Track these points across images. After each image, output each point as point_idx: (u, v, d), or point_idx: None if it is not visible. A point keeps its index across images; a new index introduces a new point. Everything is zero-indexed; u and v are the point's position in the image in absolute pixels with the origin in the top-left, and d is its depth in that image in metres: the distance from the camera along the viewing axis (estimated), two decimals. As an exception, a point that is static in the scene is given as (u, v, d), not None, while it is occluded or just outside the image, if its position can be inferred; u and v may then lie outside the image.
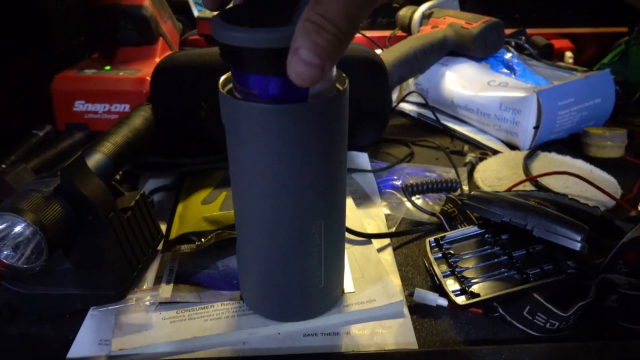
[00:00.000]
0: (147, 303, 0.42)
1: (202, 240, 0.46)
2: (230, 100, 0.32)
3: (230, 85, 0.34)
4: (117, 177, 0.60)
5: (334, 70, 0.33)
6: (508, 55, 0.79)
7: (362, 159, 0.65)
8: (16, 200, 0.36)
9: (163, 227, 0.50)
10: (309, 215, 0.35)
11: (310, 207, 0.35)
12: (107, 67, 0.71)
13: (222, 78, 0.34)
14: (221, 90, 0.33)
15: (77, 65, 0.72)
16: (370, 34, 0.96)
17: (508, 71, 0.77)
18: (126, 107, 0.68)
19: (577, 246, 0.41)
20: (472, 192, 0.47)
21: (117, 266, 0.40)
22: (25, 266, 0.36)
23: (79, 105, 0.68)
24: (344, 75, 0.34)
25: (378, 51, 0.84)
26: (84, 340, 0.39)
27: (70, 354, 0.38)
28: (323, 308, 0.40)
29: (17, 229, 0.35)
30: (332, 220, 0.36)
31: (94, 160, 0.44)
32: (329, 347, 0.38)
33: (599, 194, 0.55)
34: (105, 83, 0.68)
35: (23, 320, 0.41)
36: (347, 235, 0.49)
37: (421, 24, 0.90)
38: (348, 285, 0.43)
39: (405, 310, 0.42)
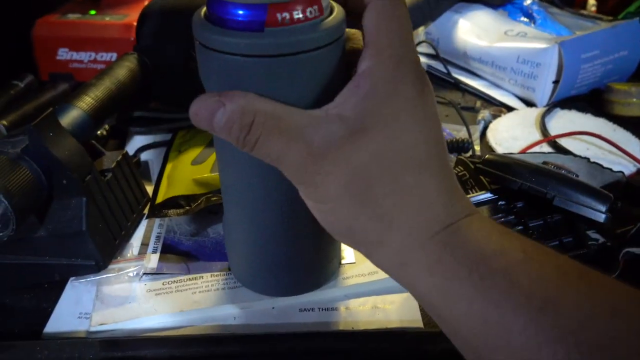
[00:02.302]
0: (131, 274, 0.38)
1: (192, 205, 0.42)
2: (202, 50, 0.27)
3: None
4: (104, 132, 0.56)
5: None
6: (527, 2, 0.73)
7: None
8: (-22, 163, 0.32)
9: (150, 189, 0.46)
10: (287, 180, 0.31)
11: None
12: (93, 12, 0.66)
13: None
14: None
15: (61, 9, 0.67)
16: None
17: (527, 20, 0.71)
18: (113, 56, 0.63)
19: (602, 217, 0.37)
20: (487, 156, 0.43)
21: (96, 234, 0.37)
22: (-9, 236, 0.33)
23: (63, 54, 0.63)
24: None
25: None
26: (63, 313, 0.36)
27: (47, 329, 0.35)
28: (319, 281, 0.37)
29: (-21, 195, 0.32)
30: None
31: (71, 116, 0.40)
32: (326, 323, 0.36)
33: (622, 157, 0.51)
34: (90, 29, 0.63)
35: (-2, 290, 0.38)
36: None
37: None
38: (349, 255, 0.40)
39: (410, 284, 0.38)
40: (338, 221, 0.26)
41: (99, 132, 0.51)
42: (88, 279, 0.38)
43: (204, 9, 0.28)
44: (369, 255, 0.27)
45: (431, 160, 0.25)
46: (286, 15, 0.25)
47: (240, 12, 0.25)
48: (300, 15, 0.25)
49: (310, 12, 0.26)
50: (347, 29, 0.28)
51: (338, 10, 0.27)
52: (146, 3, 0.59)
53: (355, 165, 0.24)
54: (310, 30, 0.25)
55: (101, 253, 0.37)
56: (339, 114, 0.24)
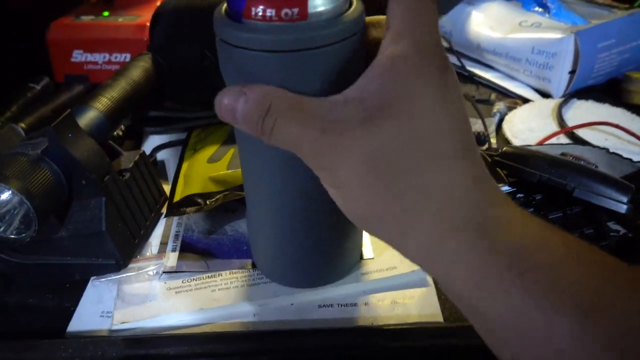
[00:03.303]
0: (151, 272, 0.39)
1: (208, 202, 0.42)
2: (223, 46, 0.27)
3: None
4: (120, 132, 0.56)
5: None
6: (541, -8, 0.72)
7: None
8: (0, 166, 0.33)
9: (167, 188, 0.47)
10: (310, 171, 0.31)
11: None
12: (106, 13, 0.66)
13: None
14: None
15: (74, 11, 0.67)
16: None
17: (541, 9, 0.70)
18: (127, 57, 0.63)
19: (623, 208, 0.37)
20: (505, 148, 0.42)
21: (116, 233, 0.37)
22: (14, 237, 0.33)
23: (78, 55, 0.64)
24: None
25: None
26: (85, 312, 0.37)
27: (70, 327, 0.36)
28: (340, 273, 0.37)
29: (2, 197, 0.32)
30: None
31: (88, 117, 0.40)
32: (345, 319, 0.35)
33: (642, 147, 0.50)
34: (104, 30, 0.63)
35: (21, 290, 0.38)
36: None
37: (445, -42, 0.82)
38: (367, 251, 0.40)
39: (429, 278, 0.38)
40: (362, 207, 0.24)
41: (115, 132, 0.52)
42: (109, 278, 0.39)
43: (225, 5, 0.28)
44: (396, 244, 0.25)
45: (455, 145, 0.24)
46: (297, 10, 0.25)
47: (254, 7, 0.25)
48: (316, 10, 0.25)
49: (325, 7, 0.26)
50: (373, 17, 0.28)
51: (357, 4, 0.27)
52: (159, 3, 0.59)
53: (374, 146, 0.23)
54: (328, 25, 0.25)
55: (121, 252, 0.38)
56: (358, 97, 0.24)
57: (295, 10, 0.25)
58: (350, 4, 0.27)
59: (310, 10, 0.25)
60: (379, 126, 0.23)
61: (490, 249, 0.22)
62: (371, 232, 0.26)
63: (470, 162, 0.24)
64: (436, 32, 0.25)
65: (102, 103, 0.42)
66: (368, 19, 0.28)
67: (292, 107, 0.24)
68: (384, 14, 0.26)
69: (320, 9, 0.25)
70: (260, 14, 0.25)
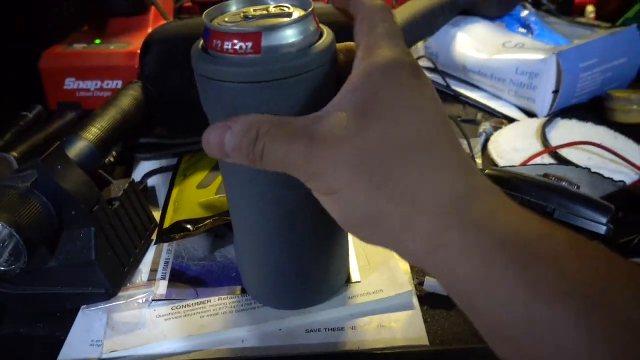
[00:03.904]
0: (141, 300, 0.39)
1: (196, 228, 0.43)
2: (200, 79, 0.29)
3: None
4: (112, 159, 0.57)
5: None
6: (525, 13, 0.74)
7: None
8: (-10, 199, 0.33)
9: (158, 215, 0.47)
10: (299, 196, 0.32)
11: (299, 189, 0.31)
12: (98, 41, 0.68)
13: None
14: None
15: (67, 40, 0.68)
16: (376, -7, 0.90)
17: (525, 31, 0.72)
18: (119, 84, 0.64)
19: (603, 229, 0.38)
20: (487, 171, 0.43)
21: (106, 262, 0.38)
22: (4, 269, 0.33)
23: (70, 83, 0.65)
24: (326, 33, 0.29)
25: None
26: (76, 341, 0.37)
27: (61, 357, 0.36)
28: (327, 294, 0.38)
29: (-8, 231, 0.33)
30: None
31: (77, 148, 0.41)
32: (332, 344, 0.36)
33: (625, 165, 0.51)
34: (95, 58, 0.64)
35: (12, 321, 0.39)
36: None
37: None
38: (354, 274, 0.41)
39: (415, 301, 0.39)
40: (356, 211, 0.24)
41: (106, 159, 0.52)
42: (99, 307, 0.39)
43: (201, 41, 0.29)
44: (395, 244, 0.25)
45: (439, 137, 0.24)
46: (251, 44, 0.26)
47: (228, 41, 0.27)
48: (288, 42, 0.26)
49: (298, 39, 0.27)
50: (342, 44, 0.30)
51: (327, 33, 0.29)
52: (150, 31, 0.61)
53: (361, 148, 0.23)
54: (301, 56, 0.27)
55: (111, 281, 0.38)
56: (339, 109, 0.25)
57: (249, 44, 0.26)
58: (321, 35, 0.28)
59: (270, 44, 0.26)
60: (364, 129, 0.24)
61: (492, 243, 0.22)
62: (367, 239, 0.26)
63: (456, 154, 0.24)
64: (401, 42, 0.26)
65: (92, 133, 0.43)
66: (338, 46, 0.29)
67: (278, 129, 0.25)
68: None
69: (290, 41, 0.26)
70: (219, 47, 0.27)
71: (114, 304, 0.39)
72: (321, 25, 0.29)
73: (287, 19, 0.27)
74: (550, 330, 0.20)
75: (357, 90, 0.25)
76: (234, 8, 0.30)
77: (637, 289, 0.21)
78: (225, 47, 0.27)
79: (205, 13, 0.29)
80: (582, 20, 0.77)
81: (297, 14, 0.28)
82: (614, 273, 0.21)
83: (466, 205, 0.23)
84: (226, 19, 0.29)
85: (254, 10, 0.29)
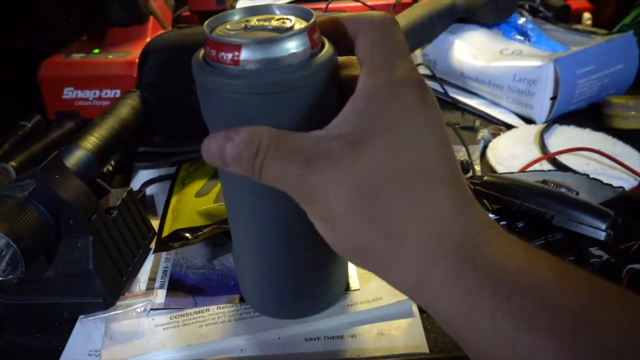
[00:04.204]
0: (139, 310, 0.39)
1: (195, 236, 0.43)
2: (201, 89, 0.29)
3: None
4: (110, 168, 0.57)
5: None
6: (521, 20, 0.74)
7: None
8: (-13, 208, 0.33)
9: (156, 223, 0.47)
10: (297, 205, 0.32)
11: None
12: (96, 51, 0.68)
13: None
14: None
15: (65, 50, 0.69)
16: (372, 2, 0.91)
17: (522, 38, 0.72)
18: (117, 93, 0.64)
19: (602, 235, 0.38)
20: (485, 177, 0.43)
21: (104, 272, 0.38)
22: (1, 279, 0.33)
23: (69, 93, 0.65)
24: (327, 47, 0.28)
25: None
26: (73, 351, 0.37)
27: (58, 367, 0.36)
28: (326, 303, 0.38)
29: (-11, 240, 0.32)
30: None
31: (76, 157, 0.41)
32: (332, 352, 0.36)
33: (623, 170, 0.51)
34: (94, 68, 0.64)
35: (10, 330, 0.39)
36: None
37: (428, -11, 0.84)
38: (353, 282, 0.40)
39: (415, 309, 0.39)
40: (347, 240, 0.25)
41: (105, 168, 0.52)
42: (97, 317, 0.39)
43: (202, 51, 0.29)
44: (383, 274, 0.25)
45: (439, 168, 0.24)
46: (231, 55, 0.26)
47: (220, 51, 0.27)
48: (289, 53, 0.26)
49: (299, 50, 0.27)
50: (344, 58, 0.29)
51: (328, 45, 0.28)
52: (148, 40, 0.61)
53: (357, 177, 0.23)
54: (301, 67, 0.26)
55: (108, 290, 0.38)
56: (339, 132, 0.24)
57: (230, 55, 0.26)
58: (322, 46, 0.28)
59: (267, 56, 0.26)
60: (362, 158, 0.23)
61: (475, 275, 0.22)
62: (358, 264, 0.26)
63: (453, 187, 0.24)
64: (407, 60, 0.25)
65: (90, 142, 0.43)
66: (340, 59, 0.29)
67: (277, 146, 0.25)
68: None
69: (287, 53, 0.26)
70: (214, 56, 0.27)
71: (112, 313, 0.39)
72: (323, 37, 0.29)
73: (286, 32, 0.27)
74: (535, 358, 0.21)
75: (359, 113, 0.24)
76: (236, 17, 0.30)
77: (624, 314, 0.21)
78: (220, 56, 0.27)
79: (206, 22, 0.29)
80: (579, 27, 0.77)
81: (298, 25, 0.28)
82: (600, 299, 0.21)
83: (454, 239, 0.23)
84: (228, 27, 0.29)
85: (257, 21, 0.29)
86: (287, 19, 0.29)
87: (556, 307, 0.21)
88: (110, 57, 0.65)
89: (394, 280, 0.25)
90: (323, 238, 0.34)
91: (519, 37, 0.72)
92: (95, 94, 0.64)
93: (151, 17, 0.72)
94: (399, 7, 0.90)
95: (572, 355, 0.20)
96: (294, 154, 0.24)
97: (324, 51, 0.28)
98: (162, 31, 0.72)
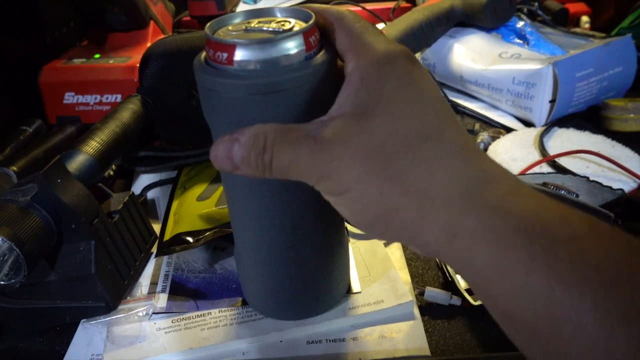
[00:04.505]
0: (141, 314, 0.39)
1: (197, 240, 0.43)
2: (202, 90, 0.29)
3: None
4: (111, 173, 0.57)
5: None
6: (520, 24, 0.74)
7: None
8: (-11, 213, 0.33)
9: (158, 227, 0.47)
10: (299, 205, 0.32)
11: (300, 199, 0.32)
12: (97, 56, 0.68)
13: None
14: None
15: (66, 55, 0.69)
16: (372, 6, 0.91)
17: (521, 41, 0.72)
18: (118, 97, 0.64)
19: (602, 237, 0.38)
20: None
21: (106, 275, 0.38)
22: (3, 283, 0.33)
23: (69, 97, 0.65)
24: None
25: (381, 25, 0.79)
26: (75, 356, 0.37)
27: (60, 371, 0.36)
28: (328, 304, 0.38)
29: (-9, 244, 0.33)
30: (325, 209, 0.34)
31: (77, 161, 0.41)
32: (333, 355, 0.36)
33: (622, 173, 0.51)
34: (94, 73, 0.65)
35: (12, 335, 0.39)
36: (351, 228, 0.46)
37: (427, -7, 0.85)
38: (354, 284, 0.41)
39: (416, 311, 0.39)
40: (368, 208, 0.24)
41: (106, 173, 0.52)
42: (99, 321, 0.39)
43: (203, 53, 0.29)
44: (410, 238, 0.25)
45: (445, 127, 0.24)
46: (274, 55, 0.27)
47: (224, 53, 0.27)
48: (283, 54, 0.27)
49: (295, 52, 0.27)
50: None
51: (327, 44, 0.29)
52: (148, 45, 0.61)
53: (366, 145, 0.23)
54: (298, 68, 0.27)
55: (110, 294, 0.38)
56: (340, 113, 0.25)
57: (225, 55, 0.27)
58: (321, 47, 0.29)
59: (267, 56, 0.27)
60: (368, 126, 0.24)
61: (509, 225, 0.22)
62: (381, 236, 0.26)
63: (463, 143, 0.24)
64: (381, 35, 0.27)
65: (92, 146, 0.43)
66: None
67: (284, 137, 0.25)
68: None
69: (286, 53, 0.27)
70: (212, 56, 0.27)
71: (114, 317, 0.39)
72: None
73: (282, 33, 0.27)
74: (569, 312, 0.20)
75: (355, 91, 0.25)
76: (238, 19, 0.30)
77: None
78: (217, 56, 0.27)
79: (208, 24, 0.29)
80: (577, 30, 0.78)
81: (297, 27, 0.28)
82: (633, 255, 0.21)
83: (480, 191, 0.23)
84: (230, 28, 0.29)
85: (258, 23, 0.29)
86: (287, 21, 0.29)
87: (592, 260, 0.20)
88: (111, 61, 0.66)
89: (424, 241, 0.24)
90: (326, 238, 0.35)
91: (518, 41, 0.72)
92: (96, 98, 0.65)
93: (151, 22, 0.73)
94: (398, 11, 0.91)
95: (607, 308, 0.19)
96: (301, 138, 0.25)
97: (323, 50, 0.28)
98: (162, 36, 0.72)
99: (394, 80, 0.24)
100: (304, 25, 0.28)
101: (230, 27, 0.30)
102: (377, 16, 0.89)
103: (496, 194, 0.23)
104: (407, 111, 0.24)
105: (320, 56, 0.28)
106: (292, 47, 0.27)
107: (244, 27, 0.29)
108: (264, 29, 0.28)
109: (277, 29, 0.28)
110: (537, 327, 0.21)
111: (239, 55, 0.27)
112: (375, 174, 0.23)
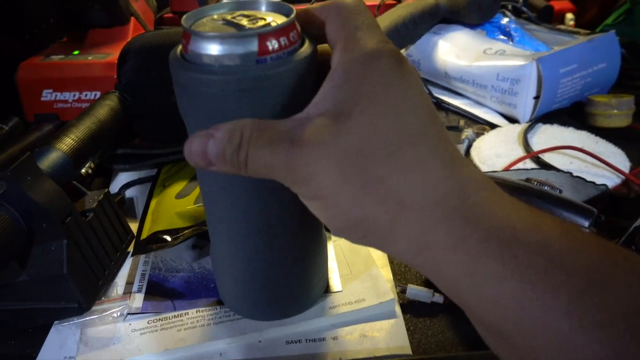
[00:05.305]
0: (116, 314, 0.38)
1: (174, 238, 0.42)
2: (177, 86, 0.28)
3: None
4: (89, 171, 0.56)
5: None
6: (505, 20, 0.74)
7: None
8: (-45, 211, 0.32)
9: (136, 226, 0.46)
10: (275, 204, 0.31)
11: (276, 197, 0.31)
12: (76, 52, 0.67)
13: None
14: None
15: (44, 52, 0.68)
16: (358, 3, 0.90)
17: (505, 37, 0.72)
18: (97, 95, 0.63)
19: (585, 232, 0.37)
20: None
21: (79, 275, 0.37)
22: (-30, 284, 0.32)
23: (47, 95, 0.64)
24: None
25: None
26: (47, 358, 0.36)
27: (31, 374, 0.35)
28: (305, 304, 0.37)
29: (-43, 244, 0.31)
30: (302, 208, 0.33)
31: (50, 159, 0.40)
32: (313, 355, 0.35)
33: (606, 168, 0.51)
34: (73, 69, 0.63)
35: (-18, 338, 0.37)
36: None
37: (411, -10, 0.84)
38: (335, 283, 0.40)
39: (398, 310, 0.38)
40: (344, 215, 0.24)
41: (83, 171, 0.51)
42: (72, 322, 0.38)
43: (179, 47, 0.28)
44: (384, 246, 0.25)
45: (426, 131, 0.23)
46: (251, 49, 0.26)
47: (195, 45, 0.26)
48: (276, 47, 0.26)
49: (277, 47, 0.26)
50: (320, 46, 0.29)
51: (308, 39, 0.28)
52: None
53: (344, 149, 0.23)
54: (279, 64, 0.26)
55: (84, 295, 0.37)
56: (319, 111, 0.24)
57: (200, 48, 0.26)
58: (303, 41, 0.28)
59: (196, 50, 0.26)
60: (347, 128, 0.23)
61: (480, 235, 0.21)
62: (357, 242, 0.25)
63: (444, 149, 0.24)
64: (379, 33, 0.25)
65: (66, 143, 0.42)
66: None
67: (260, 134, 0.24)
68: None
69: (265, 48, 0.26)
70: (185, 49, 0.27)
71: (88, 318, 0.38)
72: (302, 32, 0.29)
73: (264, 27, 0.27)
74: (543, 319, 0.20)
75: (337, 87, 0.24)
76: (217, 12, 0.29)
77: (632, 272, 0.20)
78: (190, 50, 0.26)
79: (185, 15, 0.28)
80: (562, 27, 0.78)
81: (278, 22, 0.27)
82: (606, 260, 0.21)
83: (455, 200, 0.22)
84: (208, 20, 0.28)
85: (238, 16, 0.28)
86: (267, 15, 0.28)
87: (564, 265, 0.20)
88: (90, 58, 0.64)
89: (397, 250, 0.24)
90: (303, 236, 0.34)
91: (502, 37, 0.72)
92: (74, 95, 0.63)
93: (132, 19, 0.72)
94: (383, 8, 0.90)
95: (581, 314, 0.19)
96: (278, 138, 0.24)
97: (305, 46, 0.27)
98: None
99: (377, 78, 0.23)
100: (284, 19, 0.27)
101: (208, 20, 0.29)
102: (362, 13, 0.88)
103: (469, 203, 0.22)
104: (388, 112, 0.23)
105: (300, 52, 0.27)
106: (268, 42, 0.26)
107: (222, 20, 0.28)
108: (243, 23, 0.28)
109: (255, 23, 0.27)
110: (511, 334, 0.21)
111: (215, 49, 0.26)
112: (351, 181, 0.23)
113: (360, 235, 0.25)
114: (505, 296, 0.21)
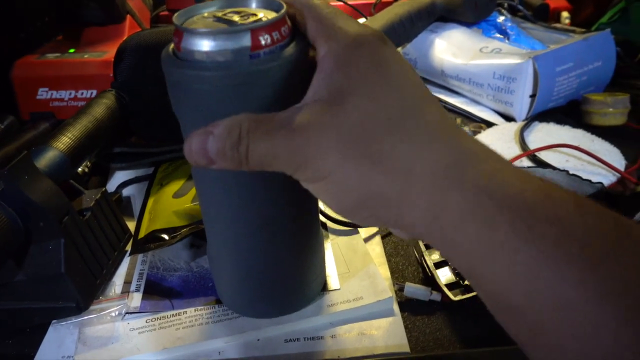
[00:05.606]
0: (114, 313, 0.38)
1: (172, 237, 0.42)
2: (170, 83, 0.28)
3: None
4: (86, 170, 0.56)
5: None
6: (501, 19, 0.74)
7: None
8: (-48, 210, 0.32)
9: (133, 225, 0.46)
10: (272, 202, 0.31)
11: (273, 195, 0.31)
12: (72, 50, 0.66)
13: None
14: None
15: (40, 50, 0.67)
16: (353, 1, 0.90)
17: (501, 36, 0.72)
18: (93, 93, 0.63)
19: (581, 230, 0.37)
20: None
21: (76, 275, 0.37)
22: (-32, 283, 0.32)
23: (43, 93, 0.63)
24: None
25: (362, 20, 0.79)
26: (46, 358, 0.36)
27: (29, 374, 0.35)
28: (302, 302, 0.37)
29: (-46, 243, 0.31)
30: (299, 205, 0.33)
31: (47, 157, 0.40)
32: (312, 353, 0.35)
33: (602, 167, 0.51)
34: (69, 67, 0.63)
35: (-21, 337, 0.37)
36: (330, 224, 0.46)
37: (408, -12, 0.84)
38: (333, 281, 0.40)
39: (396, 308, 0.38)
40: (350, 192, 0.24)
41: (80, 170, 0.51)
42: (70, 321, 0.38)
43: (171, 45, 0.28)
44: (395, 221, 0.24)
45: (423, 106, 0.24)
46: (243, 44, 0.26)
47: (186, 42, 0.26)
48: (267, 42, 0.26)
49: (269, 42, 0.26)
50: None
51: (298, 35, 0.28)
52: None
53: (344, 128, 0.23)
54: (271, 59, 0.26)
55: (82, 294, 0.37)
56: (315, 99, 0.24)
57: (191, 45, 0.26)
58: (293, 37, 0.28)
59: (235, 46, 0.26)
60: (344, 109, 0.23)
61: (493, 204, 0.21)
62: (365, 220, 0.25)
63: (443, 122, 0.24)
64: (351, 19, 0.26)
65: (63, 142, 0.42)
66: None
67: (259, 127, 0.24)
68: None
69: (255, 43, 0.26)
70: (177, 44, 0.27)
71: (86, 317, 0.38)
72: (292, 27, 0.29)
73: (255, 22, 0.27)
74: (555, 289, 0.20)
75: (329, 76, 0.24)
76: (208, 9, 0.29)
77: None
78: (182, 46, 0.26)
79: (177, 13, 0.28)
80: (558, 25, 0.78)
81: (268, 17, 0.27)
82: (620, 231, 0.21)
83: (463, 170, 0.22)
84: (199, 17, 0.28)
85: (230, 12, 0.28)
86: (258, 11, 0.28)
87: (577, 236, 0.20)
88: (85, 56, 0.64)
89: (408, 222, 0.24)
90: (300, 233, 0.34)
91: (499, 36, 0.72)
92: (70, 94, 0.63)
93: (128, 17, 0.71)
94: (379, 6, 0.90)
95: (595, 284, 0.19)
96: (276, 128, 0.24)
97: (295, 41, 0.27)
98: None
99: (368, 61, 0.24)
100: (274, 15, 0.27)
101: (199, 18, 0.29)
102: (358, 11, 0.88)
103: (480, 171, 0.22)
104: (384, 91, 0.23)
105: (291, 47, 0.27)
106: (260, 37, 0.26)
107: (214, 17, 0.28)
108: (235, 19, 0.28)
109: (247, 19, 0.27)
110: (522, 307, 0.21)
111: (208, 45, 0.26)
112: (355, 157, 0.23)
113: (367, 213, 0.24)
114: (519, 267, 0.20)
